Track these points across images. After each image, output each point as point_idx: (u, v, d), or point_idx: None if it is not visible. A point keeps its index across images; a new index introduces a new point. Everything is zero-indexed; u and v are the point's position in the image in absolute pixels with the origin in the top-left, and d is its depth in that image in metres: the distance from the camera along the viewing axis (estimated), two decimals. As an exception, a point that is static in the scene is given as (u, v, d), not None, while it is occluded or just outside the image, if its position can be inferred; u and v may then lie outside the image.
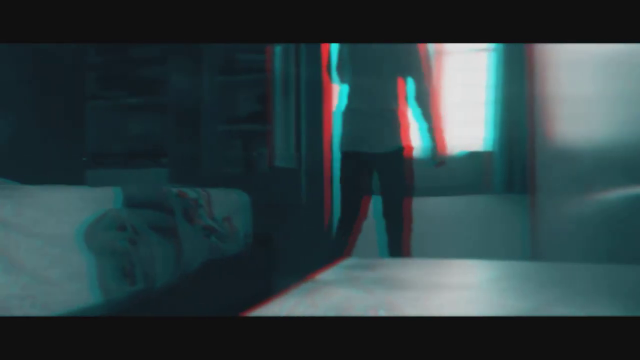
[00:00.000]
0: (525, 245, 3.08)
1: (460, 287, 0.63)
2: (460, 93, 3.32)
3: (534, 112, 2.87)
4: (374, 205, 2.91)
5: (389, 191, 2.53)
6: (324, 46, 3.08)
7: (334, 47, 2.74)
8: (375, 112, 2.51)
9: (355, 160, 2.54)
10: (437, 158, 2.60)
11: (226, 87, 3.27)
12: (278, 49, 2.88)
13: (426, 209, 3.15)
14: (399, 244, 2.53)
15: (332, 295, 0.58)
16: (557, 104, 2.35)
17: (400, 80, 2.58)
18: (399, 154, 2.51)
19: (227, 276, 2.11)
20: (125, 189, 1.62)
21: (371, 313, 0.50)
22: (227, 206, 2.18)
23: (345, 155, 2.57)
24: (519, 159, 3.03)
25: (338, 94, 2.76)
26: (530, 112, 2.93)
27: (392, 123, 2.52)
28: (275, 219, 2.78)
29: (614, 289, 0.63)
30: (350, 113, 2.56)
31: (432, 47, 3.02)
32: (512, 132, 3.05)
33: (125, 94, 3.41)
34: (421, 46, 2.62)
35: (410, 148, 2.63)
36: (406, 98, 2.61)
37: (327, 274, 0.71)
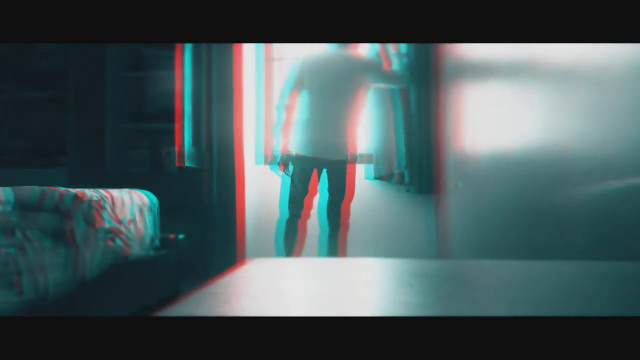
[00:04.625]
0: (431, 243, 3.22)
1: (363, 285, 0.64)
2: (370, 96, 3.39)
3: (440, 116, 3.02)
4: (319, 204, 3.24)
5: (334, 191, 3.00)
6: (235, 45, 3.03)
7: (294, 63, 2.95)
8: (329, 124, 2.90)
9: (308, 163, 2.91)
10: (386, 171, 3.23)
11: (132, 83, 3.12)
12: (188, 45, 2.79)
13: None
14: (336, 238, 3.01)
15: (230, 297, 0.57)
16: (462, 109, 2.48)
17: (356, 95, 2.97)
18: (345, 163, 2.99)
19: (133, 281, 2.02)
20: (17, 190, 1.50)
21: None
22: (133, 208, 2.09)
23: (300, 158, 2.91)
24: (427, 161, 3.16)
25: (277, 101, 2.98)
26: (437, 116, 3.08)
27: (343, 135, 2.94)
28: (184, 221, 2.70)
29: (507, 284, 0.67)
30: (307, 123, 2.90)
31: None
32: (421, 135, 3.18)
33: (20, 88, 3.16)
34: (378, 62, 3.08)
35: (355, 158, 3.10)
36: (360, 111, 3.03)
37: (231, 276, 0.69)
